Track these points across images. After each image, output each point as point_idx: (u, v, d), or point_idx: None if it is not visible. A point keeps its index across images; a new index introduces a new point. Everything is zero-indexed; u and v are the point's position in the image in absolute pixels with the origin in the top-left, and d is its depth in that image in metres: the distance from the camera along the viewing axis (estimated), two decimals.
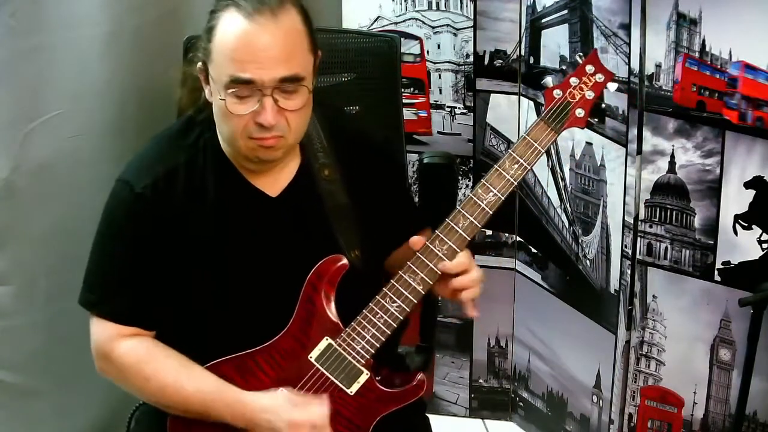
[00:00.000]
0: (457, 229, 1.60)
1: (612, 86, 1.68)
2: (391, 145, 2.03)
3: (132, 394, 1.69)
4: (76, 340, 1.71)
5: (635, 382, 2.36)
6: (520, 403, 2.75)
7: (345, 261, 1.64)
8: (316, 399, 1.60)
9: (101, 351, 1.65)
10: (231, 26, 1.50)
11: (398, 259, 1.75)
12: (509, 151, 1.63)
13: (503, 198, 1.61)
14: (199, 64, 1.58)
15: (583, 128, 1.66)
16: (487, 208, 1.60)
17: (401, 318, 1.61)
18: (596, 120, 2.25)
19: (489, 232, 2.62)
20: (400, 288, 1.60)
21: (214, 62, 1.53)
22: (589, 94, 1.66)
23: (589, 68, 1.67)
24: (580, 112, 1.65)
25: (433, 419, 1.85)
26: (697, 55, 2.02)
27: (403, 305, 1.60)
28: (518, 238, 2.60)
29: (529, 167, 1.62)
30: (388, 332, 1.61)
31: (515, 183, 1.61)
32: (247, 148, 1.57)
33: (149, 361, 1.62)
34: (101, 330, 1.64)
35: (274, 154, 1.59)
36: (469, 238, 1.61)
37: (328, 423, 1.58)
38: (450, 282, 1.61)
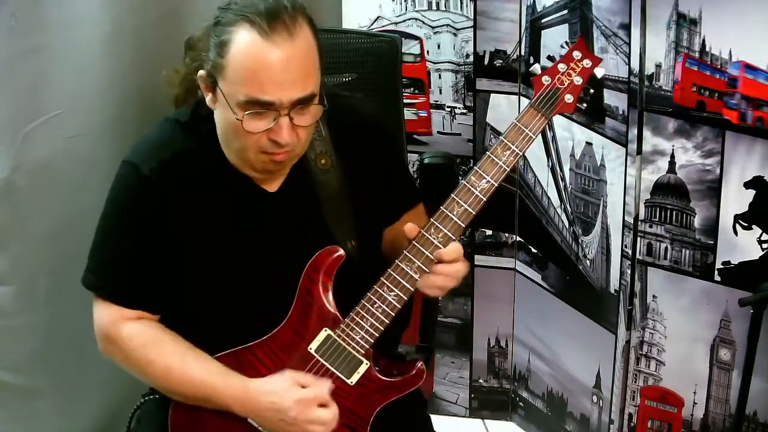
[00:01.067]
0: (452, 216, 1.60)
1: (599, 72, 1.69)
2: (386, 120, 2.01)
3: (135, 376, 1.69)
4: (76, 340, 1.71)
5: (635, 382, 2.36)
6: (520, 403, 2.75)
7: (341, 252, 1.65)
8: (319, 379, 1.61)
9: (105, 333, 1.65)
10: (248, 46, 1.48)
11: (393, 236, 1.76)
12: (500, 137, 1.63)
13: (496, 185, 1.61)
14: (202, 72, 1.56)
15: (572, 113, 1.67)
16: (480, 195, 1.61)
17: (399, 307, 1.61)
18: (597, 121, 2.25)
19: (489, 232, 2.62)
20: (397, 277, 1.61)
21: (227, 79, 1.51)
22: (578, 80, 1.67)
23: (576, 54, 1.68)
24: (569, 98, 1.66)
25: (433, 419, 1.86)
26: (697, 55, 2.02)
27: (401, 294, 1.61)
28: (518, 238, 2.60)
29: (521, 153, 1.62)
30: (387, 321, 1.61)
31: (508, 169, 1.62)
32: (257, 161, 1.58)
33: (155, 344, 1.63)
34: (105, 312, 1.65)
35: (282, 166, 1.62)
36: (464, 226, 1.61)
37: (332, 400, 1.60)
38: (434, 267, 1.61)
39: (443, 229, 1.60)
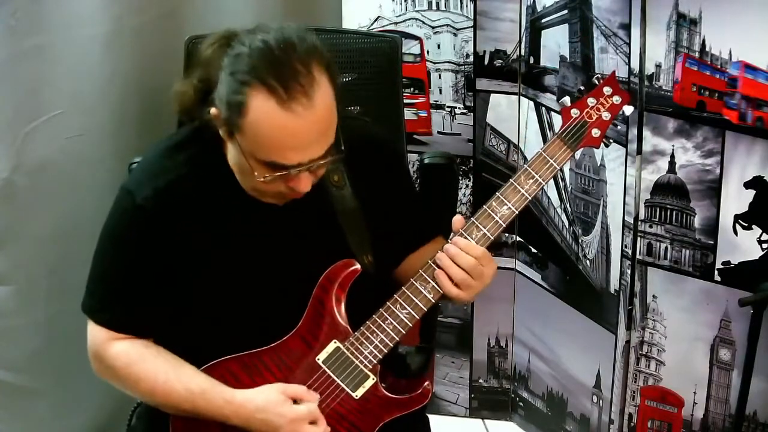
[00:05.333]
0: (470, 240, 1.61)
1: (628, 109, 1.70)
2: (400, 148, 2.03)
3: (128, 394, 1.69)
4: (76, 340, 1.72)
5: (635, 382, 2.36)
6: (520, 403, 2.75)
7: (357, 266, 1.65)
8: (308, 391, 1.61)
9: (96, 353, 1.66)
10: (267, 116, 1.44)
11: (409, 266, 1.76)
12: (524, 165, 1.65)
13: (517, 212, 1.62)
14: (215, 111, 1.51)
15: (597, 148, 1.67)
16: (500, 221, 1.62)
17: (410, 325, 1.62)
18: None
19: None
20: (410, 295, 1.61)
21: (246, 138, 1.48)
22: (606, 116, 1.67)
23: (607, 90, 1.68)
24: (596, 132, 1.67)
25: (433, 419, 1.85)
26: (697, 55, 2.02)
27: (413, 312, 1.61)
28: (518, 238, 2.60)
29: (544, 183, 1.64)
30: (397, 339, 1.62)
31: (530, 198, 1.63)
32: (272, 197, 1.58)
33: (140, 362, 1.62)
34: (95, 333, 1.65)
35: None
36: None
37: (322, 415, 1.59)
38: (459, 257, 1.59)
39: None
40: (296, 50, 1.46)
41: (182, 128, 1.70)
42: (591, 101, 1.68)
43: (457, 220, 1.61)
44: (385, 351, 1.62)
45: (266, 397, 1.59)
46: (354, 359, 1.62)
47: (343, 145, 1.67)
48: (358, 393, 1.63)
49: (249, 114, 1.45)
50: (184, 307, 1.65)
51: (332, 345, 1.63)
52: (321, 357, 1.63)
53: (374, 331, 1.62)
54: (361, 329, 1.63)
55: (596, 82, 1.70)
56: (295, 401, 1.59)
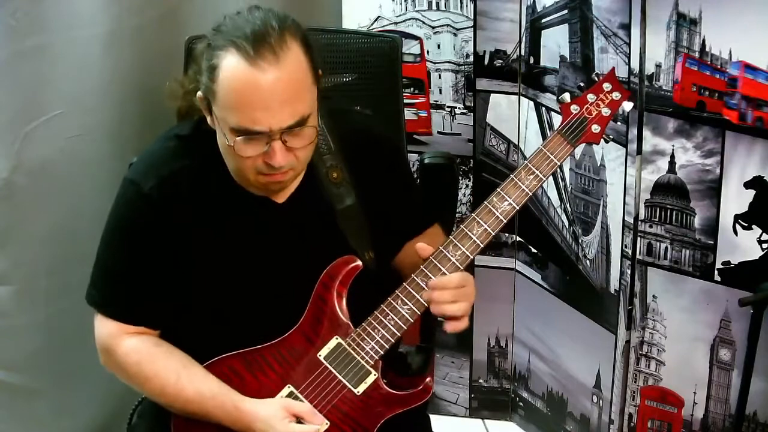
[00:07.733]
0: (471, 235, 1.61)
1: (627, 105, 1.70)
2: (398, 140, 2.03)
3: (135, 389, 1.69)
4: (76, 340, 1.72)
5: (635, 382, 2.36)
6: (520, 403, 2.75)
7: (358, 262, 1.66)
8: (314, 413, 1.61)
9: (104, 347, 1.66)
10: (234, 73, 1.47)
11: (406, 256, 1.76)
12: (525, 161, 1.65)
13: (518, 208, 1.63)
14: (200, 94, 1.55)
15: (598, 144, 1.68)
16: (501, 217, 1.62)
17: (411, 321, 1.62)
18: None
19: None
20: (411, 291, 1.61)
21: (219, 104, 1.51)
22: (606, 111, 1.68)
23: (607, 86, 1.69)
24: (595, 128, 1.68)
25: (433, 419, 1.86)
26: (697, 55, 2.02)
27: (414, 308, 1.61)
28: (518, 238, 2.60)
29: (544, 179, 1.64)
30: (398, 334, 1.62)
31: (530, 194, 1.63)
32: (256, 182, 1.58)
33: (150, 361, 1.63)
34: (104, 326, 1.65)
35: (283, 186, 1.61)
36: (482, 245, 1.63)
37: None
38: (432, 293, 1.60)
39: (461, 247, 1.62)
40: (269, 18, 1.50)
41: (182, 122, 1.70)
42: (591, 97, 1.69)
43: (421, 248, 1.61)
44: (387, 347, 1.62)
45: (269, 411, 1.59)
46: (355, 355, 1.62)
47: (342, 139, 1.68)
48: (360, 389, 1.63)
49: (219, 75, 1.49)
50: (186, 302, 1.65)
51: (333, 341, 1.64)
52: (322, 353, 1.63)
53: (375, 327, 1.62)
54: (362, 325, 1.63)
55: (596, 78, 1.70)
56: (300, 420, 1.60)
